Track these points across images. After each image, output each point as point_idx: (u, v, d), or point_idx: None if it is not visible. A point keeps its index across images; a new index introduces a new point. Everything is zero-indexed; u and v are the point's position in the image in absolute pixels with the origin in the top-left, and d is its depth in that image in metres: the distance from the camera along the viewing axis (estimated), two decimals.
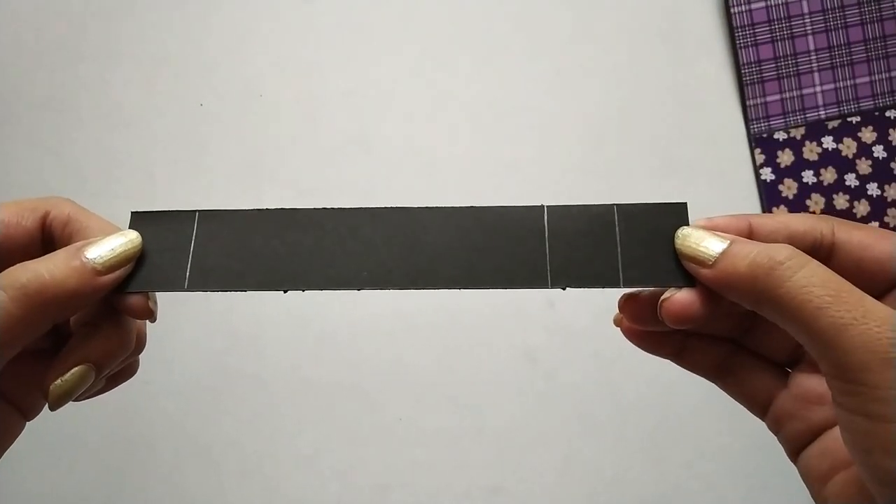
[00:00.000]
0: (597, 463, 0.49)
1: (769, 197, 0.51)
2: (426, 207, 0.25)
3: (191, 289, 0.25)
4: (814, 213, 0.51)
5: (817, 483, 0.24)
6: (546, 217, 0.25)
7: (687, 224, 0.25)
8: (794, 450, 0.26)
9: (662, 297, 0.24)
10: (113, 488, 0.48)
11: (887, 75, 0.52)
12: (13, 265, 0.23)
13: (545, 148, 0.52)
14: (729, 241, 0.23)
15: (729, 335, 0.27)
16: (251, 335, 0.50)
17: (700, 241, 0.24)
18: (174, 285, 0.25)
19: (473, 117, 0.53)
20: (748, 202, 0.52)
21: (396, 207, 0.25)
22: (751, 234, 0.24)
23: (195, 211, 0.26)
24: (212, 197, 0.52)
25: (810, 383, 0.25)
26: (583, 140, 0.52)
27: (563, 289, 0.24)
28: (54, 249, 0.24)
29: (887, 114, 0.52)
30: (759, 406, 0.27)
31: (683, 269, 0.24)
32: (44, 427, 0.30)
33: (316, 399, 0.50)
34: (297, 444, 0.49)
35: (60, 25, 0.53)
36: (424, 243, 0.25)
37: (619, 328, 0.27)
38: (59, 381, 0.24)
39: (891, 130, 0.52)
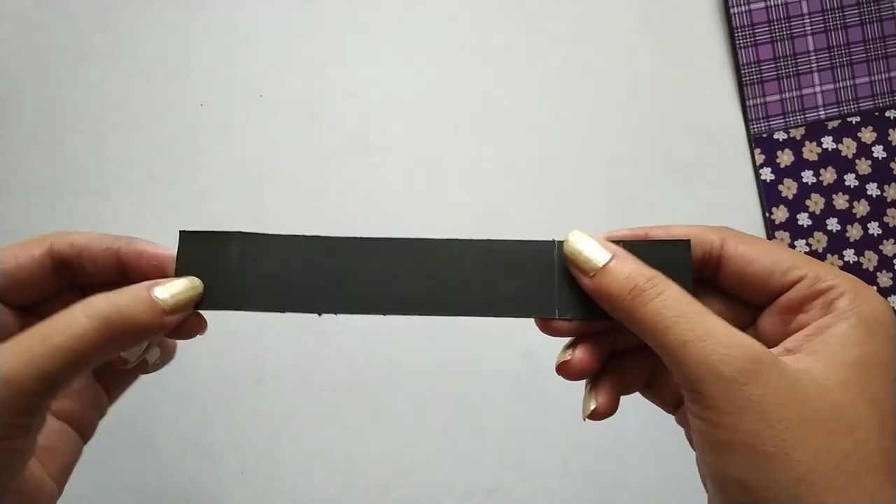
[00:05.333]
0: (597, 463, 0.49)
1: (769, 197, 0.52)
2: (448, 239, 0.27)
3: (232, 308, 0.27)
4: (814, 213, 0.51)
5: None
6: (557, 252, 0.26)
7: (690, 263, 0.25)
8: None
9: (560, 360, 0.27)
10: (112, 488, 0.48)
11: (887, 76, 0.52)
12: (24, 293, 0.26)
13: (545, 148, 0.52)
14: (610, 256, 0.25)
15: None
16: (251, 336, 0.50)
17: (585, 249, 0.25)
18: (218, 304, 0.27)
19: (473, 117, 0.53)
20: (748, 202, 0.52)
21: (420, 239, 0.27)
22: None
23: (238, 232, 0.27)
24: (213, 197, 0.52)
25: None
26: (582, 140, 0.52)
27: (569, 321, 0.26)
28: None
29: (887, 114, 0.52)
30: (672, 406, 0.29)
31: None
32: None
33: (315, 398, 0.50)
34: (298, 444, 0.49)
35: (60, 25, 0.53)
36: (445, 273, 0.27)
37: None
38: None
39: (890, 130, 0.52)
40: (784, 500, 0.21)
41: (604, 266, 0.25)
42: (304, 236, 0.27)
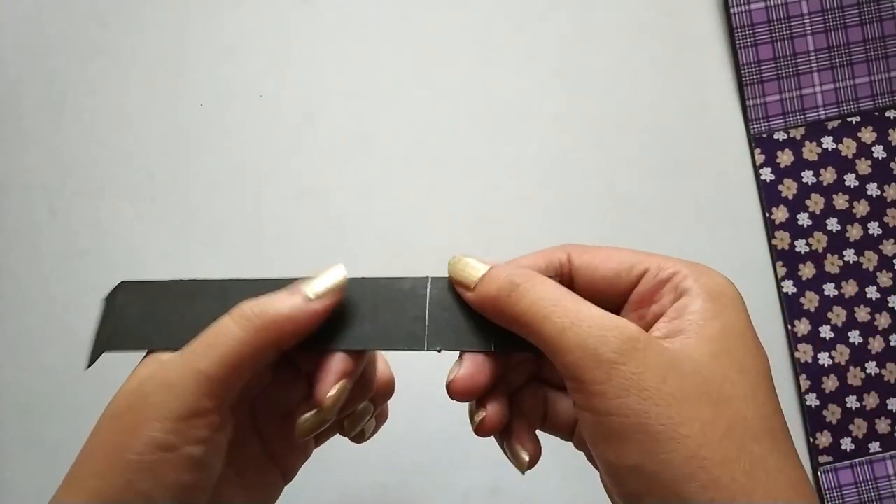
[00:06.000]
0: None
1: (769, 197, 0.51)
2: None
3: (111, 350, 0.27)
4: (814, 213, 0.51)
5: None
6: (429, 287, 0.27)
7: None
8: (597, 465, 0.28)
9: (477, 422, 0.27)
10: None
11: (887, 76, 0.52)
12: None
13: (544, 148, 0.52)
14: (488, 266, 0.26)
15: (532, 376, 0.30)
16: None
17: (465, 266, 0.26)
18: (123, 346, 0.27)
19: (473, 118, 0.53)
20: (748, 202, 0.52)
21: (291, 279, 0.27)
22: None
23: (125, 282, 0.28)
24: (213, 197, 0.52)
25: None
26: (582, 140, 0.52)
27: (439, 351, 0.27)
28: None
29: (887, 114, 0.52)
30: (569, 430, 0.30)
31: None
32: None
33: None
34: None
35: (61, 25, 0.53)
36: None
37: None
38: (330, 393, 0.26)
39: (890, 130, 0.52)
40: (679, 481, 0.20)
41: (483, 275, 0.25)
42: (183, 281, 0.28)
